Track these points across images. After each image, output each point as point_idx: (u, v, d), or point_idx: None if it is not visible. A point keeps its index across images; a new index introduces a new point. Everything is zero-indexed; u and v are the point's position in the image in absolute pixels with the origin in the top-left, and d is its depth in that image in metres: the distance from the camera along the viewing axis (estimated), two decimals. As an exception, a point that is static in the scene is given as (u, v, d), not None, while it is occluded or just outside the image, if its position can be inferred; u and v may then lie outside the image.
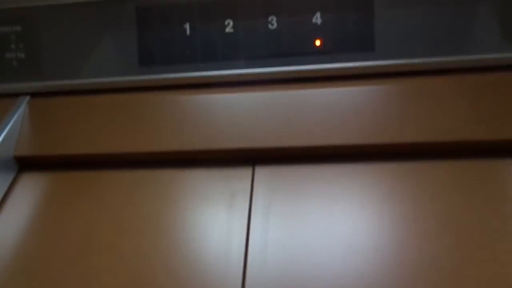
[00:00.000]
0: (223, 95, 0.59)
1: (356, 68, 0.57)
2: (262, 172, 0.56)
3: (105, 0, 0.61)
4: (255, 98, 0.58)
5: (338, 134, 0.54)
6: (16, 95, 0.63)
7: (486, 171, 0.51)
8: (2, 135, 0.58)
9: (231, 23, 0.59)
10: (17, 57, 0.62)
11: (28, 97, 0.63)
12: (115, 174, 0.58)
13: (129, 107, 0.60)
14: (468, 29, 0.55)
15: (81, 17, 0.62)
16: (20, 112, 0.61)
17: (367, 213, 0.50)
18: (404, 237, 0.47)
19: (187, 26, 0.60)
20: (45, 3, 0.62)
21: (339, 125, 0.54)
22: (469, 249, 0.45)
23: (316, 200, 0.52)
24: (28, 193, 0.58)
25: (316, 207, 0.52)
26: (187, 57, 0.60)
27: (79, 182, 0.58)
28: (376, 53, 0.56)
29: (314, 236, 0.49)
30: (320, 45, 0.58)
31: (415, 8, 0.56)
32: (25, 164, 0.60)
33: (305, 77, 0.59)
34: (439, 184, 0.50)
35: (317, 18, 0.58)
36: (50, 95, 0.63)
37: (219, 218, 0.52)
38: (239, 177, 0.56)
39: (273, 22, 0.59)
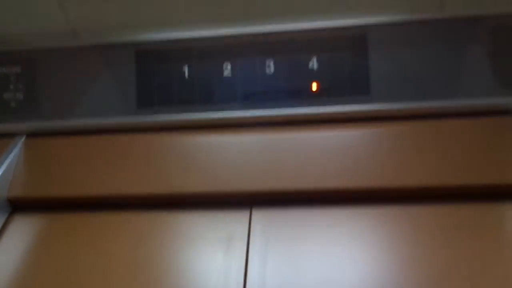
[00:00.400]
0: (221, 137, 0.59)
1: (352, 111, 0.58)
2: (260, 215, 0.55)
3: (105, 43, 0.63)
4: (252, 140, 0.58)
5: (335, 177, 0.54)
6: (12, 135, 0.63)
7: (485, 215, 0.51)
8: (-3, 176, 0.58)
9: (229, 67, 0.61)
10: (15, 98, 0.63)
11: (24, 137, 0.63)
12: (110, 216, 0.57)
13: (126, 148, 0.60)
14: (461, 73, 0.56)
15: (81, 59, 0.62)
16: (15, 152, 0.61)
17: (366, 257, 0.49)
18: (404, 283, 0.47)
19: (186, 69, 0.61)
20: (45, 46, 0.63)
21: (336, 168, 0.54)
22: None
23: (314, 244, 0.52)
24: (20, 235, 0.57)
25: (314, 251, 0.51)
26: (185, 99, 0.61)
27: (73, 224, 0.57)
28: (371, 96, 0.58)
29: (312, 280, 0.48)
30: (316, 89, 0.59)
31: (409, 53, 0.57)
32: (18, 205, 0.59)
33: (301, 120, 0.59)
34: (439, 228, 0.50)
35: (313, 63, 0.59)
36: (46, 135, 0.63)
37: (216, 262, 0.52)
38: (236, 219, 0.55)
39: (270, 66, 0.60)
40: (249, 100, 0.60)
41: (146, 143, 0.60)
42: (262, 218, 0.55)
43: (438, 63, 0.57)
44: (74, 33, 0.63)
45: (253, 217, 0.55)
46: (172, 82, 0.61)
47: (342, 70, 0.59)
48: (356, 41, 0.59)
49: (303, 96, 0.59)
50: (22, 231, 0.57)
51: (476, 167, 0.52)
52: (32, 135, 0.63)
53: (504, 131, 0.54)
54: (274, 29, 0.60)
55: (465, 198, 0.52)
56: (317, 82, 0.59)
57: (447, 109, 0.56)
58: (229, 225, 0.55)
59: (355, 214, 0.53)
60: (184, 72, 0.61)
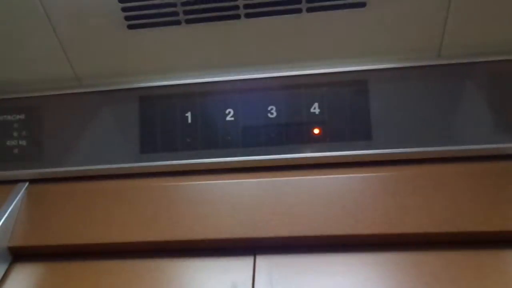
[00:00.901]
0: (223, 182, 0.59)
1: (354, 156, 0.58)
2: (264, 262, 0.55)
3: (109, 89, 0.63)
4: (255, 185, 0.58)
5: (339, 223, 0.54)
6: (14, 181, 0.63)
7: (489, 261, 0.51)
8: (-1, 225, 0.57)
9: (232, 112, 0.61)
10: (18, 145, 0.63)
11: (26, 184, 0.63)
12: (112, 264, 0.57)
13: (129, 194, 0.60)
14: (461, 118, 0.57)
15: (85, 105, 0.63)
16: (18, 199, 0.61)
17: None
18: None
19: (189, 114, 0.62)
20: (49, 93, 0.63)
21: (339, 214, 0.54)
22: None
23: (319, 291, 0.51)
24: (21, 285, 0.56)
25: (319, 299, 0.50)
26: (188, 145, 0.61)
27: (74, 273, 0.56)
28: (373, 141, 0.58)
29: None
30: (318, 134, 0.60)
31: (410, 99, 0.58)
32: (19, 255, 0.59)
33: (304, 164, 0.60)
34: (444, 275, 0.50)
35: (315, 108, 0.60)
36: (49, 182, 0.63)
37: (220, 312, 0.51)
38: (240, 267, 0.55)
39: (272, 112, 0.61)
40: (252, 145, 0.60)
41: (149, 188, 0.60)
42: (266, 265, 0.54)
43: (438, 108, 0.58)
44: (78, 79, 0.64)
45: (257, 264, 0.55)
46: (175, 128, 0.62)
47: (343, 115, 0.59)
48: (357, 85, 0.60)
49: (305, 140, 0.60)
50: (23, 281, 0.56)
51: (478, 213, 0.52)
52: (34, 181, 0.63)
53: (505, 176, 0.54)
54: (276, 74, 0.61)
55: (468, 244, 0.52)
56: (319, 127, 0.60)
57: (448, 154, 0.57)
58: (233, 272, 0.54)
59: (359, 261, 0.53)
60: (187, 117, 0.62)
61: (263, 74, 0.61)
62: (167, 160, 0.61)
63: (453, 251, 0.52)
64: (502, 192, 0.53)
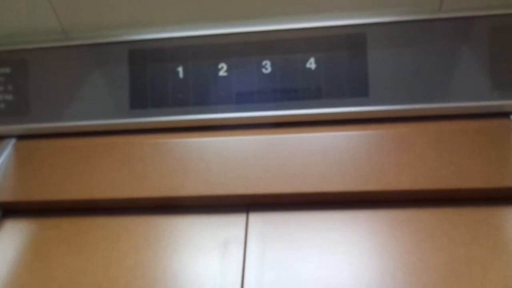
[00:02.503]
0: (216, 138, 0.58)
1: (350, 113, 0.57)
2: (257, 219, 0.54)
3: (97, 42, 0.61)
4: (248, 142, 0.57)
5: (334, 180, 0.53)
6: (2, 137, 0.62)
7: (484, 218, 0.50)
8: (-14, 180, 0.56)
9: (225, 67, 0.59)
10: (4, 99, 0.61)
11: (14, 140, 0.61)
12: (102, 220, 0.56)
13: (119, 150, 0.58)
14: (458, 75, 0.55)
15: (73, 59, 0.61)
16: (5, 156, 0.59)
17: (364, 261, 0.49)
18: (403, 287, 0.46)
19: (180, 69, 0.60)
20: (35, 46, 0.61)
21: (335, 171, 0.53)
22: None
23: (312, 248, 0.51)
24: (11, 240, 0.56)
25: (312, 255, 0.50)
26: (179, 100, 0.59)
27: (64, 229, 0.56)
28: (370, 98, 0.57)
29: (310, 285, 0.48)
30: (314, 90, 0.58)
31: (408, 54, 0.56)
32: (9, 210, 0.58)
33: (298, 122, 0.58)
34: (438, 232, 0.50)
35: (311, 63, 0.58)
36: (37, 138, 0.61)
37: (213, 267, 0.51)
38: (233, 224, 0.54)
39: (267, 67, 0.59)
40: (245, 101, 0.59)
41: (139, 145, 0.58)
42: (259, 221, 0.54)
43: (436, 64, 0.56)
44: (65, 32, 0.61)
45: (250, 220, 0.54)
46: (166, 83, 0.60)
47: (340, 71, 0.58)
48: (355, 40, 0.58)
49: (300, 97, 0.58)
50: (13, 236, 0.56)
51: (474, 170, 0.51)
52: (22, 137, 0.62)
53: (502, 134, 0.53)
54: (271, 28, 0.59)
55: (463, 201, 0.52)
56: (314, 83, 0.58)
57: (445, 111, 0.55)
58: (225, 229, 0.54)
59: (353, 218, 0.52)
60: (178, 72, 0.60)
61: (257, 27, 0.59)
62: (158, 116, 0.59)
63: (448, 208, 0.51)
64: (498, 149, 0.52)
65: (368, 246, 0.50)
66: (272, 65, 0.59)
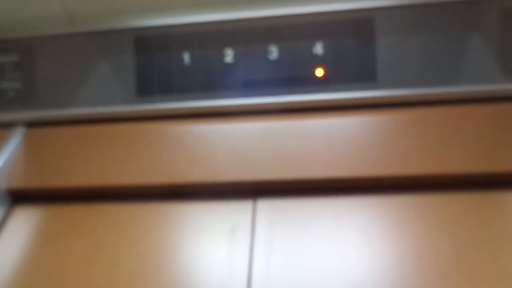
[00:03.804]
0: (223, 125, 0.58)
1: (358, 98, 0.56)
2: (264, 205, 0.54)
3: (104, 30, 0.61)
4: (255, 128, 0.57)
5: (342, 166, 0.53)
6: (11, 125, 0.62)
7: (492, 203, 0.50)
8: (-4, 168, 0.57)
9: (231, 53, 0.59)
10: (13, 87, 0.61)
11: (23, 127, 0.62)
12: (112, 207, 0.56)
13: (126, 137, 0.58)
14: (467, 59, 0.54)
15: (79, 47, 0.61)
16: (15, 143, 0.60)
17: (372, 248, 0.48)
18: (411, 273, 0.46)
19: (186, 55, 0.59)
20: (43, 33, 0.61)
21: (342, 156, 0.53)
22: (478, 286, 0.44)
23: (320, 235, 0.51)
24: (21, 227, 0.56)
25: (320, 242, 0.50)
26: (186, 87, 0.59)
27: (74, 216, 0.57)
28: (378, 83, 0.56)
29: (318, 271, 0.48)
30: (321, 75, 0.57)
31: (416, 39, 0.55)
32: (18, 197, 0.59)
33: (306, 107, 0.58)
34: (446, 217, 0.49)
35: (318, 48, 0.57)
36: (46, 125, 0.62)
37: (220, 254, 0.51)
38: (240, 210, 0.54)
39: (273, 52, 0.58)
40: (252, 87, 0.58)
41: (146, 132, 0.59)
42: (266, 208, 0.54)
43: (445, 48, 0.55)
44: (71, 19, 0.61)
45: (257, 207, 0.54)
46: (172, 69, 0.60)
47: (348, 56, 0.57)
48: (362, 24, 0.57)
49: (307, 82, 0.57)
50: (23, 223, 0.57)
51: (484, 155, 0.50)
52: (31, 125, 0.62)
53: (511, 118, 0.52)
54: (277, 13, 0.58)
55: (472, 186, 0.51)
56: (322, 68, 0.57)
57: (453, 96, 0.55)
58: (233, 215, 0.54)
59: (361, 204, 0.52)
60: (184, 59, 0.60)
61: (263, 12, 0.58)
62: (165, 103, 0.59)
63: (457, 193, 0.51)
64: (508, 133, 0.51)
65: (377, 231, 0.50)
66: (279, 51, 0.58)
